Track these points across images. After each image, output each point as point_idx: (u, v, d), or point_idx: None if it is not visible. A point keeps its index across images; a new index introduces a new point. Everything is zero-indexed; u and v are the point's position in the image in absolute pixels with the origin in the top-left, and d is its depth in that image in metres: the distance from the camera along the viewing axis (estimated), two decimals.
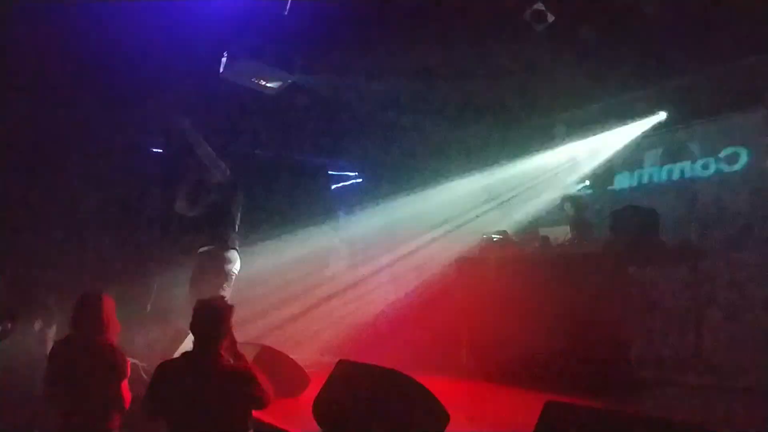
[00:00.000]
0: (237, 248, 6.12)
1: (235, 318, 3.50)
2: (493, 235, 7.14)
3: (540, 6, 6.05)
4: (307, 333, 8.49)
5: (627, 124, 7.90)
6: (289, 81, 6.21)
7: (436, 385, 3.99)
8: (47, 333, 5.42)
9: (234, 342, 3.52)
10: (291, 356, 5.56)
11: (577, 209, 7.10)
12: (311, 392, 4.49)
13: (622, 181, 8.34)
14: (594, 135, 8.25)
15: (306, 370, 5.47)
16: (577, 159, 8.70)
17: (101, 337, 3.85)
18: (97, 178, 7.74)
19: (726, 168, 7.12)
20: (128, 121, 7.83)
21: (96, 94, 7.10)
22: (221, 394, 3.21)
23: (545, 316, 5.75)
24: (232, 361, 3.42)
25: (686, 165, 7.58)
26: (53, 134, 7.45)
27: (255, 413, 4.26)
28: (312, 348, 7.88)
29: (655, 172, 7.98)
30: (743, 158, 6.99)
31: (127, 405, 3.81)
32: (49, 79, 6.74)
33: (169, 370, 3.43)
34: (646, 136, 7.85)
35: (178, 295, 6.23)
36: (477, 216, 8.99)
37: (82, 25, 5.99)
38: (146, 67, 6.64)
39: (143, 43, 6.19)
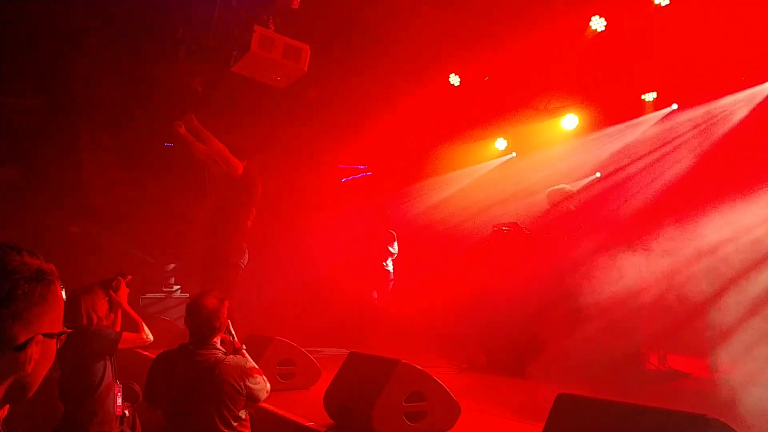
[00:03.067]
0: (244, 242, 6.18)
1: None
2: (503, 227, 7.12)
3: None
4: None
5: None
6: (300, 75, 6.21)
7: (447, 377, 4.02)
8: None
9: (230, 334, 3.59)
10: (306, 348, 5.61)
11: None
12: (323, 384, 4.53)
13: None
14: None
15: (318, 363, 5.50)
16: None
17: None
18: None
19: None
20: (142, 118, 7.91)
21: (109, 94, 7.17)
22: (213, 386, 3.25)
23: (555, 308, 5.76)
24: (228, 354, 3.45)
25: None
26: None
27: (263, 405, 4.34)
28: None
29: None
30: None
31: None
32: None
33: (164, 362, 3.51)
34: None
35: None
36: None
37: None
38: (159, 62, 6.70)
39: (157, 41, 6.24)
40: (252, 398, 3.37)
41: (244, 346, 3.64)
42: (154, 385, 3.50)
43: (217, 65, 6.34)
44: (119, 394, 3.91)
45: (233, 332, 3.60)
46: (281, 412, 4.43)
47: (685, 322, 5.84)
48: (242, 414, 3.35)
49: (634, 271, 5.60)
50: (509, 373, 5.99)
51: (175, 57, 6.48)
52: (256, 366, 3.51)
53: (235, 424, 3.29)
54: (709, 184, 6.94)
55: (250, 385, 3.32)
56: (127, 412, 3.97)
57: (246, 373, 3.33)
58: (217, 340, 3.45)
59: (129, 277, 4.19)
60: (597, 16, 6.74)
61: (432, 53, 7.22)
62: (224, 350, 3.45)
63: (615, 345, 5.31)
